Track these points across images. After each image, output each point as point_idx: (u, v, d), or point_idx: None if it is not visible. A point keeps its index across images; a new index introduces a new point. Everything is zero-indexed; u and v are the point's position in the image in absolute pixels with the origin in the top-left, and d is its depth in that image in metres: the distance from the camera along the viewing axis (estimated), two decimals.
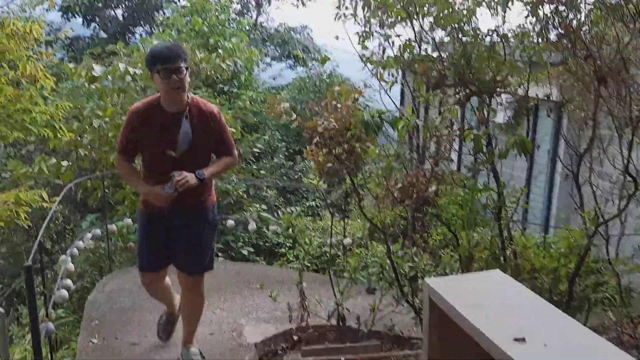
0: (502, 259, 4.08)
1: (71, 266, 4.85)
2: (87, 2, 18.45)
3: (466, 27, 4.23)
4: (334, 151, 4.19)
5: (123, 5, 20.17)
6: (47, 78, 5.59)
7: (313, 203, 13.11)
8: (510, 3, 4.19)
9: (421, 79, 5.02)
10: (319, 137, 4.19)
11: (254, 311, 5.48)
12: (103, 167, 7.00)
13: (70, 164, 6.25)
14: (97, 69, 5.83)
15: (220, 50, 6.84)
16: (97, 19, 19.71)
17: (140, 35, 20.03)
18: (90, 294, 5.78)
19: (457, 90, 4.75)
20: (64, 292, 4.93)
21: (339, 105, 4.29)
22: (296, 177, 14.32)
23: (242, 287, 6.13)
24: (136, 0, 19.77)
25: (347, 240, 6.77)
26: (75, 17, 19.82)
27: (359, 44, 6.47)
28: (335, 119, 4.12)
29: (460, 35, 4.24)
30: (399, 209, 4.31)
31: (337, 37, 6.34)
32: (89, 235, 5.81)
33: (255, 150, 11.26)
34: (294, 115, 4.25)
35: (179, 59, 3.24)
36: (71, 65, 6.45)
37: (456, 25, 4.21)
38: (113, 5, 20.04)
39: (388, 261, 4.55)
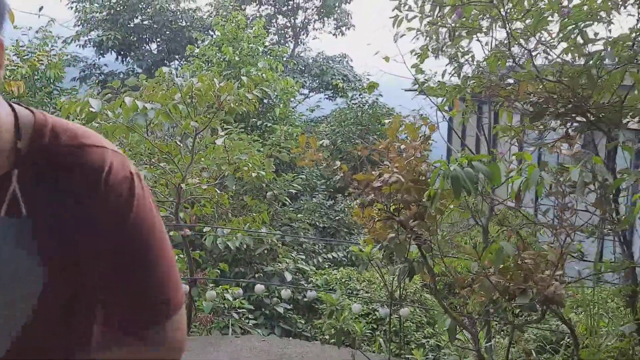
0: None
1: None
2: (121, 37, 17.99)
3: (590, 33, 2.90)
4: (397, 215, 2.89)
5: (157, 39, 19.68)
6: None
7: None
8: None
9: (511, 106, 3.71)
10: (375, 194, 2.90)
11: None
12: None
13: None
14: (95, 104, 4.75)
15: (244, 78, 5.67)
16: (131, 53, 19.24)
17: (176, 69, 19.44)
18: None
19: (566, 120, 3.42)
20: None
21: (402, 147, 3.00)
22: (337, 218, 13.03)
23: None
24: (170, 35, 19.24)
25: (405, 311, 5.39)
26: (110, 53, 19.46)
27: (412, 67, 5.22)
28: (399, 167, 2.83)
29: (581, 43, 2.91)
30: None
31: (387, 59, 5.09)
32: None
33: (291, 190, 10.06)
34: (337, 164, 2.98)
35: None
36: (65, 99, 5.46)
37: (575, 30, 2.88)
38: (147, 39, 19.57)
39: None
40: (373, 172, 2.88)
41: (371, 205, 3.02)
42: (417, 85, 6.75)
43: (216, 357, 5.06)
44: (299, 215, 10.00)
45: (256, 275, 8.71)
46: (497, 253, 2.30)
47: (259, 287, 5.86)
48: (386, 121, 3.74)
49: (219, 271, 6.23)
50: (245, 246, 7.05)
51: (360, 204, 2.95)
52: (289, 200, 10.50)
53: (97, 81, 18.44)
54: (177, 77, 6.35)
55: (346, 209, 13.10)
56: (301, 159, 3.04)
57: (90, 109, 4.78)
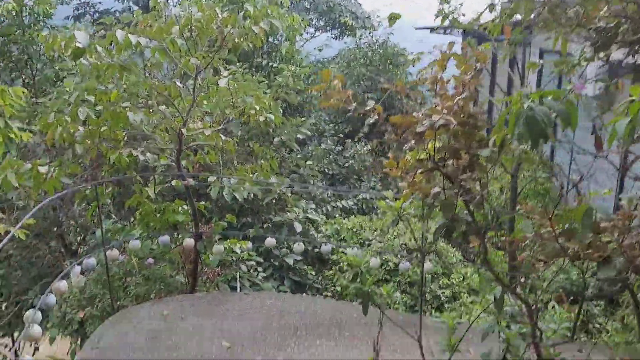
0: None
1: (37, 330, 3.26)
2: None
3: None
4: (443, 166, 2.37)
5: None
6: None
7: (367, 196, 11.29)
8: None
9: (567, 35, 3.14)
10: (416, 140, 2.37)
11: None
12: (101, 169, 5.45)
13: (56, 169, 4.69)
14: (81, 37, 4.15)
15: (249, 7, 5.01)
16: None
17: (174, 5, 18.41)
18: (78, 354, 4.24)
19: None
20: None
21: (449, 83, 2.45)
22: (346, 164, 12.52)
23: (287, 336, 4.44)
24: None
25: (428, 266, 4.98)
26: None
27: None
28: (448, 108, 2.29)
29: None
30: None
31: None
32: (77, 269, 4.22)
33: (299, 136, 9.49)
34: (371, 103, 2.43)
35: None
36: (45, 33, 4.81)
37: None
38: None
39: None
40: (415, 114, 2.35)
41: (406, 152, 2.51)
42: (437, 21, 6.00)
43: (226, 317, 4.71)
44: (307, 163, 9.50)
45: (264, 226, 8.31)
46: (585, 215, 1.81)
47: (270, 241, 5.42)
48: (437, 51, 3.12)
49: (225, 224, 5.79)
50: (252, 196, 6.61)
51: (395, 151, 2.42)
52: (297, 146, 9.97)
53: (92, 20, 17.53)
54: (175, 7, 5.66)
55: (356, 155, 12.58)
56: (325, 98, 2.49)
57: (77, 44, 4.19)
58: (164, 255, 5.80)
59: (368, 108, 2.37)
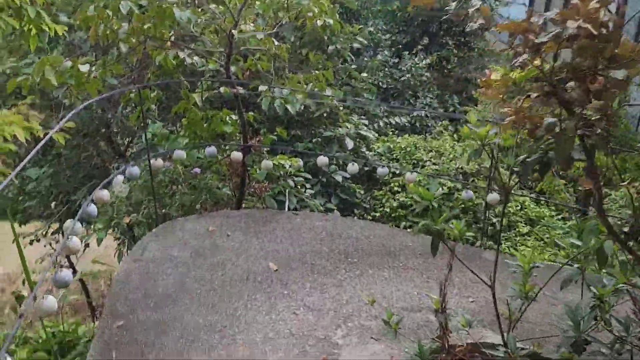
0: None
1: (76, 242, 3.07)
2: None
3: None
4: (564, 90, 1.86)
5: None
6: None
7: (422, 113, 10.65)
8: None
9: None
10: (531, 54, 1.85)
11: (357, 314, 3.54)
12: (147, 70, 5.07)
13: (99, 68, 4.35)
14: None
15: None
16: None
17: None
18: (120, 264, 4.10)
19: None
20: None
21: None
22: (402, 78, 11.76)
23: (337, 262, 4.18)
24: None
25: (493, 196, 4.52)
26: None
27: None
28: (582, 14, 1.74)
29: None
30: None
31: None
32: (120, 178, 3.99)
33: (355, 45, 8.81)
34: (477, 3, 1.89)
35: None
36: None
37: None
38: None
39: None
40: (533, 20, 1.81)
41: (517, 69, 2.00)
42: None
43: (273, 236, 4.47)
44: (362, 75, 8.86)
45: (313, 140, 7.93)
46: None
47: (322, 159, 5.03)
48: None
49: (275, 137, 5.42)
50: (302, 107, 6.18)
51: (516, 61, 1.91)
52: (351, 56, 9.30)
53: None
54: None
55: (412, 68, 11.79)
56: None
57: None
58: (211, 166, 5.55)
59: (473, 9, 1.83)
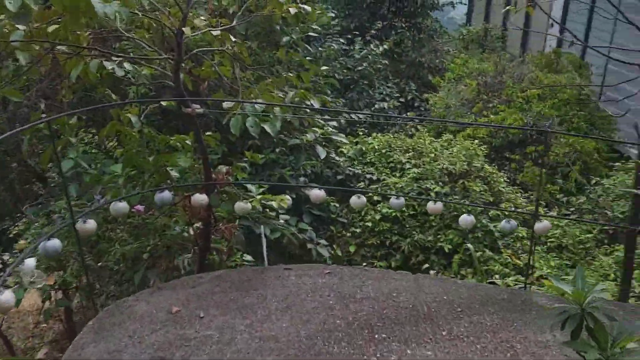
0: None
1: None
2: None
3: None
4: None
5: None
6: None
7: (386, 104, 9.58)
8: None
9: None
10: None
11: None
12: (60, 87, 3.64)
13: None
14: None
15: None
16: None
17: None
18: None
19: None
20: None
21: None
22: (358, 67, 10.58)
23: (362, 343, 3.00)
24: None
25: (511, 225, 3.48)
26: None
27: None
28: None
29: None
30: None
31: None
32: (29, 264, 2.61)
33: (312, 34, 7.58)
34: None
35: None
36: None
37: None
38: None
39: None
40: None
41: None
42: None
43: (265, 310, 3.23)
44: (323, 68, 7.61)
45: (276, 150, 6.66)
46: None
47: (318, 195, 3.72)
48: None
49: (246, 165, 4.14)
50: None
51: None
52: (308, 47, 8.06)
53: None
54: None
55: (369, 56, 10.67)
56: None
57: None
58: (160, 208, 4.20)
59: None
